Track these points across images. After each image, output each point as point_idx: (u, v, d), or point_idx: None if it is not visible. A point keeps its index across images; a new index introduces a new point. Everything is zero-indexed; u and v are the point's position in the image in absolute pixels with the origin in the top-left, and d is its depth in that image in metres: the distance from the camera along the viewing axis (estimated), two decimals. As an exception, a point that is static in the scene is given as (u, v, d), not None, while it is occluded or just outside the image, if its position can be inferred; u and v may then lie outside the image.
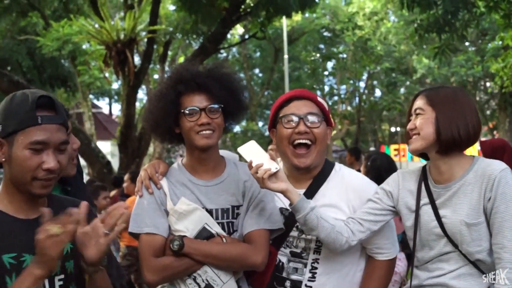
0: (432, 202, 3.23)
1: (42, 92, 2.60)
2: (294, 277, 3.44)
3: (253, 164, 3.12)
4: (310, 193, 3.46)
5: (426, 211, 3.24)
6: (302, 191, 3.46)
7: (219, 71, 3.36)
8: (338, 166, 3.62)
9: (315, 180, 3.52)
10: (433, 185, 3.26)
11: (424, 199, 3.27)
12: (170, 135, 3.40)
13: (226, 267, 3.22)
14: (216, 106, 3.25)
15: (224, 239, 3.23)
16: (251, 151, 3.21)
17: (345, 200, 3.43)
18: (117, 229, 2.53)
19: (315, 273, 3.42)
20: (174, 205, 3.26)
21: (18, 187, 2.54)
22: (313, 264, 3.43)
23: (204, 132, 3.22)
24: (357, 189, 3.48)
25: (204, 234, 3.22)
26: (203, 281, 3.20)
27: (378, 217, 3.34)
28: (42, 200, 2.63)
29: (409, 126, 3.25)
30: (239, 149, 3.28)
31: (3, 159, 2.53)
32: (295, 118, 3.43)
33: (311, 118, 3.43)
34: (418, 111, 3.21)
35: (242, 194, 3.37)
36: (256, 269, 3.29)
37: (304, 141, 3.41)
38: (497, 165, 3.10)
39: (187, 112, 3.22)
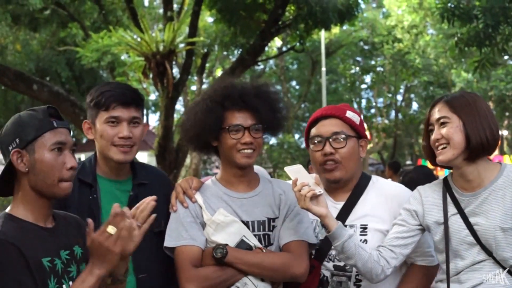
0: (460, 211, 3.15)
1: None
2: None
3: (298, 183, 3.11)
4: (349, 205, 3.50)
5: (456, 221, 3.16)
6: (342, 203, 3.52)
7: (266, 90, 3.38)
8: (375, 178, 3.67)
9: (353, 192, 3.56)
10: (460, 193, 3.18)
11: (452, 209, 3.19)
12: (207, 147, 3.44)
13: (268, 277, 3.22)
14: (260, 126, 3.30)
15: (264, 251, 3.23)
16: (298, 172, 3.21)
17: (386, 209, 3.45)
18: (149, 221, 2.75)
19: (360, 285, 3.42)
20: (211, 215, 3.27)
21: (42, 193, 2.71)
22: (357, 277, 3.41)
23: (246, 151, 3.26)
24: (396, 197, 3.51)
25: (243, 247, 3.21)
26: None
27: (407, 240, 3.28)
28: (51, 214, 2.83)
29: (435, 136, 3.15)
30: (286, 169, 3.30)
31: (26, 169, 2.67)
32: (320, 140, 3.52)
33: (335, 138, 3.50)
34: (443, 120, 3.12)
35: (278, 206, 3.37)
36: (298, 279, 3.27)
37: (330, 162, 3.48)
38: None
39: (231, 129, 3.24)
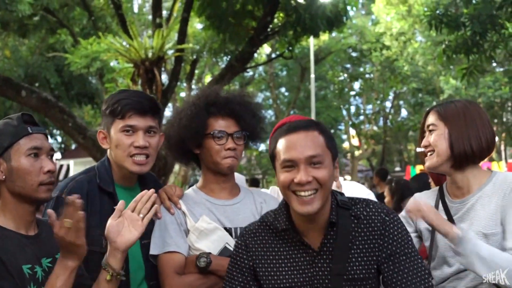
0: (449, 218, 3.17)
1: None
2: None
3: None
4: None
5: None
6: None
7: (249, 99, 3.44)
8: None
9: None
10: (450, 200, 3.22)
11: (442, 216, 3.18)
12: (188, 156, 3.48)
13: None
14: (242, 133, 3.36)
15: None
16: None
17: None
18: (152, 211, 2.91)
19: None
20: (195, 222, 3.28)
21: (23, 199, 2.74)
22: None
23: (229, 157, 3.30)
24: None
25: (226, 254, 3.21)
26: None
27: None
28: (34, 221, 2.86)
29: (423, 143, 3.24)
30: None
31: (3, 177, 2.70)
32: None
33: None
34: (431, 127, 3.20)
35: (259, 214, 3.38)
36: None
37: None
38: None
39: (216, 134, 3.28)
